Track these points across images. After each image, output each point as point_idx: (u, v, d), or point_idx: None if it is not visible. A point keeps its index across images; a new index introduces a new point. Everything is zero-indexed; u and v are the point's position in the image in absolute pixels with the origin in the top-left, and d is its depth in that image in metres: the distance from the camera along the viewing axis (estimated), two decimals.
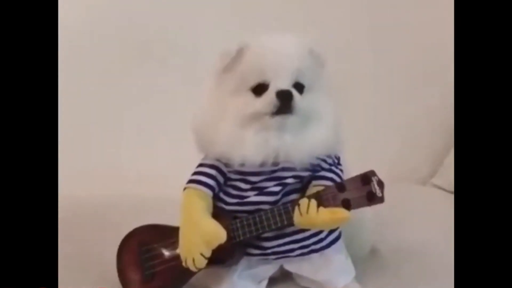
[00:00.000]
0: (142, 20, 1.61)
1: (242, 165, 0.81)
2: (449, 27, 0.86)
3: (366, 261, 0.96)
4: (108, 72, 1.59)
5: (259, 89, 0.81)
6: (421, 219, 1.23)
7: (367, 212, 0.91)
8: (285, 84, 0.81)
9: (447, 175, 1.50)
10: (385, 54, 1.67)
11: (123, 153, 1.58)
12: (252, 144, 0.80)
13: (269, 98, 0.80)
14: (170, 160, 1.48)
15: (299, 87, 0.83)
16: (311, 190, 0.83)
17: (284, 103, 0.79)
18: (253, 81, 0.81)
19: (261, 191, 0.83)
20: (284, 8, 1.60)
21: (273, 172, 0.82)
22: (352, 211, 0.79)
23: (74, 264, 0.98)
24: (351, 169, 0.87)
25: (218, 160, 0.84)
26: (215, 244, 0.80)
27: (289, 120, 0.80)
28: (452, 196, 1.11)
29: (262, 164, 0.81)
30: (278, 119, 0.80)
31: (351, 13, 1.66)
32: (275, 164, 0.82)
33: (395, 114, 1.65)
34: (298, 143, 0.81)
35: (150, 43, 1.60)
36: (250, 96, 0.81)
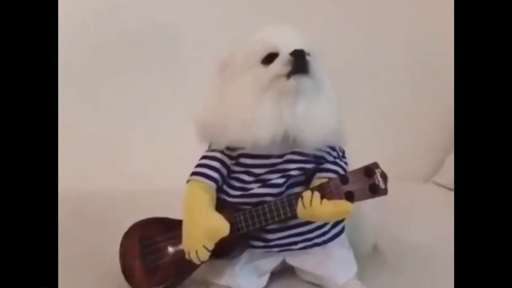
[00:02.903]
0: (142, 17, 1.61)
1: (254, 144, 0.79)
2: (449, 26, 0.87)
3: (367, 258, 0.96)
4: (108, 70, 1.59)
5: (270, 59, 0.80)
6: (423, 217, 1.24)
7: (369, 209, 0.91)
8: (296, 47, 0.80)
9: (448, 173, 1.51)
10: (387, 54, 1.68)
11: (122, 148, 1.58)
12: (266, 116, 0.79)
13: (283, 59, 0.79)
14: (169, 155, 1.48)
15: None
16: (315, 182, 0.83)
17: (300, 60, 0.78)
18: (263, 53, 0.81)
19: (264, 183, 0.83)
20: (284, 5, 1.60)
21: (277, 164, 0.82)
22: (355, 207, 0.79)
23: (74, 261, 0.98)
24: (353, 167, 0.87)
25: (222, 152, 0.85)
26: (218, 237, 0.80)
27: (305, 82, 0.79)
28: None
29: (273, 141, 0.79)
30: (295, 80, 0.79)
31: (351, 11, 1.67)
32: (280, 156, 0.82)
33: (397, 113, 1.67)
34: (307, 120, 0.80)
35: (148, 41, 1.61)
36: (261, 67, 0.81)
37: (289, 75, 0.79)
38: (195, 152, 0.88)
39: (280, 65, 0.79)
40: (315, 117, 0.80)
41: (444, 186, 1.52)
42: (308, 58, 0.79)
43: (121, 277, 0.89)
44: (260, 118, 0.79)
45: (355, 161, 0.89)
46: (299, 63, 0.79)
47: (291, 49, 0.79)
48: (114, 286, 0.89)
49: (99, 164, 1.55)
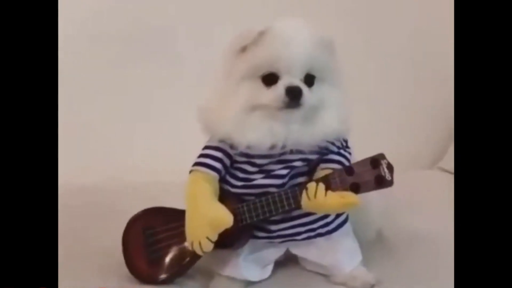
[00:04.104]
0: (141, 15, 1.60)
1: (248, 148, 0.80)
2: (450, 16, 0.85)
3: (372, 245, 0.96)
4: (108, 65, 1.58)
5: (269, 79, 0.80)
6: (428, 204, 1.23)
7: (373, 196, 0.90)
8: (296, 77, 0.80)
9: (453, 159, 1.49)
10: (391, 44, 1.66)
11: (123, 141, 1.57)
12: (257, 129, 0.79)
13: (278, 93, 0.79)
14: (171, 146, 1.48)
15: (310, 78, 0.81)
16: (319, 173, 0.82)
17: (293, 100, 0.78)
18: (264, 70, 0.80)
19: (268, 174, 0.82)
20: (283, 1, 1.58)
21: (281, 155, 0.81)
22: (359, 197, 0.78)
23: (75, 256, 0.97)
24: (357, 156, 0.85)
25: (223, 142, 0.83)
26: (221, 228, 0.79)
27: (296, 114, 0.79)
28: None
29: (270, 149, 0.80)
30: (285, 113, 0.79)
31: (352, 8, 1.64)
32: (283, 147, 0.81)
33: (401, 99, 1.65)
34: (305, 130, 0.80)
35: (148, 37, 1.59)
36: (259, 85, 0.80)
37: (279, 108, 0.79)
38: (197, 143, 0.87)
39: (272, 97, 0.79)
40: (314, 129, 0.80)
41: (449, 172, 1.51)
42: (303, 94, 0.78)
43: (122, 271, 0.88)
44: (250, 128, 0.79)
45: (360, 148, 0.88)
46: (292, 100, 0.78)
47: (291, 81, 0.79)
48: (116, 280, 0.88)
49: (99, 157, 1.54)
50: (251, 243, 0.85)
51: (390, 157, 0.79)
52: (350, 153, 0.86)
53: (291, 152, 0.81)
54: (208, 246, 0.79)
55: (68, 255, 0.90)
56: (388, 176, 0.77)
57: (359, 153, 0.86)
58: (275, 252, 0.88)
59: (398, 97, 1.65)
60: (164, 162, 1.44)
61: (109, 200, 1.28)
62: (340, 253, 0.87)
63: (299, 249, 0.88)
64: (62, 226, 0.77)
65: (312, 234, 0.85)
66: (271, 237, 0.85)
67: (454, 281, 0.70)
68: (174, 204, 0.87)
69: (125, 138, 1.58)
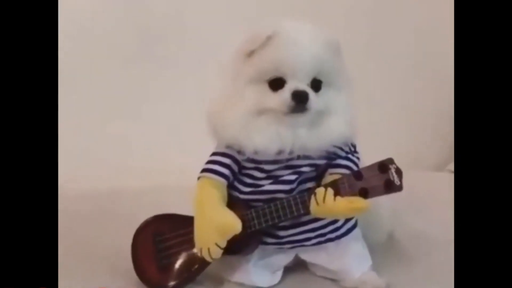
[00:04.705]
0: (140, 13, 1.61)
1: (255, 153, 0.80)
2: (450, 16, 0.84)
3: (382, 249, 0.95)
4: (109, 66, 1.59)
5: (276, 84, 0.79)
6: (437, 207, 1.22)
7: (383, 200, 0.89)
8: (302, 82, 0.79)
9: None
10: (393, 43, 1.66)
11: (125, 145, 1.58)
12: (264, 134, 0.79)
13: (284, 97, 0.78)
14: (172, 148, 1.48)
15: (317, 83, 0.81)
16: (327, 178, 0.82)
17: (299, 104, 0.78)
18: (271, 74, 0.80)
19: (276, 179, 0.81)
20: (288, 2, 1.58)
21: (289, 160, 0.81)
22: (368, 199, 0.77)
23: (75, 256, 0.97)
24: (365, 160, 0.85)
25: (230, 147, 0.83)
26: (230, 235, 0.79)
27: (302, 118, 0.79)
28: None
29: (277, 154, 0.80)
30: (291, 117, 0.79)
31: (355, 10, 1.64)
32: (291, 153, 0.80)
33: (411, 101, 1.66)
34: (312, 135, 0.80)
35: (151, 36, 1.60)
36: (266, 89, 0.80)
37: (286, 113, 0.78)
38: (197, 145, 0.87)
39: (279, 101, 0.78)
40: (321, 134, 0.80)
41: None
42: (310, 99, 0.78)
43: (122, 271, 0.89)
44: (257, 133, 0.79)
45: (368, 151, 0.87)
46: (298, 105, 0.78)
47: (297, 85, 0.78)
48: (116, 280, 0.88)
49: (99, 160, 1.54)
50: (260, 249, 0.85)
51: (399, 160, 0.79)
52: (358, 158, 0.86)
53: (299, 157, 0.81)
54: (217, 253, 0.79)
55: (68, 255, 0.91)
56: (397, 181, 0.77)
57: (367, 156, 0.86)
58: (284, 258, 0.88)
59: (406, 98, 1.65)
60: (164, 164, 1.45)
61: (109, 203, 1.28)
62: (349, 258, 0.86)
63: (308, 255, 0.88)
64: (62, 226, 0.77)
65: (322, 239, 0.84)
66: (280, 243, 0.84)
67: (454, 282, 0.70)
68: (174, 206, 0.87)
69: (125, 140, 1.58)
